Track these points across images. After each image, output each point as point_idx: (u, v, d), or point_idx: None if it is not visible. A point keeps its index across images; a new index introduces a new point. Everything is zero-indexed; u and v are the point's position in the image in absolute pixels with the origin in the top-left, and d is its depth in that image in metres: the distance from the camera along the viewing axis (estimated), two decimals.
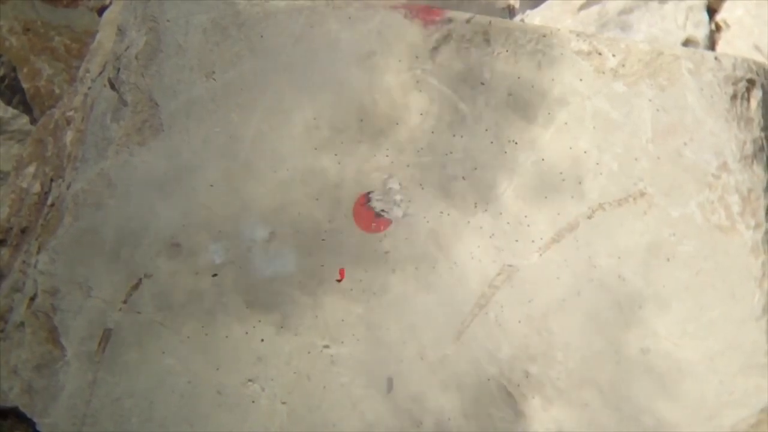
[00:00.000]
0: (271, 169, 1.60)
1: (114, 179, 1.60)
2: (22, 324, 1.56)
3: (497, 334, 1.56)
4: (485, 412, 1.53)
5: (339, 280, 1.57)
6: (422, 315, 1.56)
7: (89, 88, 1.78)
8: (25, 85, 2.35)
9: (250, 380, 1.53)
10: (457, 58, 1.66)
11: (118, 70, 1.66)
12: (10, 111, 2.31)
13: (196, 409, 1.51)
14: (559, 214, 1.61)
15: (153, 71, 1.64)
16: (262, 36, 1.65)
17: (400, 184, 1.62)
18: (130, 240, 1.57)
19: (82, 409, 1.51)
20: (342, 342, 1.55)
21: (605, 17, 2.09)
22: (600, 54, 1.67)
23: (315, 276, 1.57)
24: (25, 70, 2.36)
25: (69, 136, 1.76)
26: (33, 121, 2.30)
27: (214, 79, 1.64)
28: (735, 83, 1.67)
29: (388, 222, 1.60)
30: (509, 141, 1.63)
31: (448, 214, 1.61)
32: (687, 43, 2.05)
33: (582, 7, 2.11)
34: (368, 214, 1.60)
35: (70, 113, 1.81)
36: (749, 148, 1.66)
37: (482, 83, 1.65)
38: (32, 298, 1.56)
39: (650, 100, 1.65)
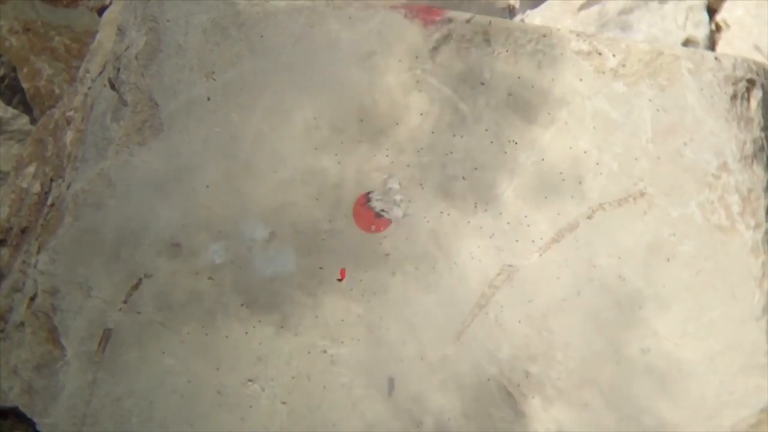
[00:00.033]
0: (271, 169, 1.60)
1: (114, 179, 1.60)
2: (22, 324, 1.56)
3: (497, 334, 1.56)
4: (485, 412, 1.53)
5: (340, 280, 1.57)
6: (422, 315, 1.56)
7: (89, 88, 1.78)
8: (25, 85, 2.35)
9: (250, 380, 1.53)
10: (457, 58, 1.66)
11: (118, 70, 1.66)
12: (10, 111, 2.31)
13: (196, 409, 1.51)
14: (559, 214, 1.61)
15: (153, 71, 1.64)
16: (262, 36, 1.65)
17: (400, 184, 1.62)
18: (130, 240, 1.57)
19: (82, 409, 1.51)
20: (342, 342, 1.55)
21: (605, 17, 2.09)
22: (600, 54, 1.67)
23: (315, 276, 1.57)
24: (25, 70, 2.36)
25: (69, 136, 1.76)
26: (33, 121, 2.30)
27: (214, 79, 1.64)
28: (735, 83, 1.67)
29: (388, 222, 1.60)
30: (509, 141, 1.63)
31: (448, 214, 1.61)
32: (687, 43, 2.05)
33: (582, 7, 2.11)
34: (368, 214, 1.60)
35: (70, 113, 1.81)
36: (749, 148, 1.66)
37: (482, 83, 1.65)
38: (32, 298, 1.56)
39: (650, 100, 1.65)
